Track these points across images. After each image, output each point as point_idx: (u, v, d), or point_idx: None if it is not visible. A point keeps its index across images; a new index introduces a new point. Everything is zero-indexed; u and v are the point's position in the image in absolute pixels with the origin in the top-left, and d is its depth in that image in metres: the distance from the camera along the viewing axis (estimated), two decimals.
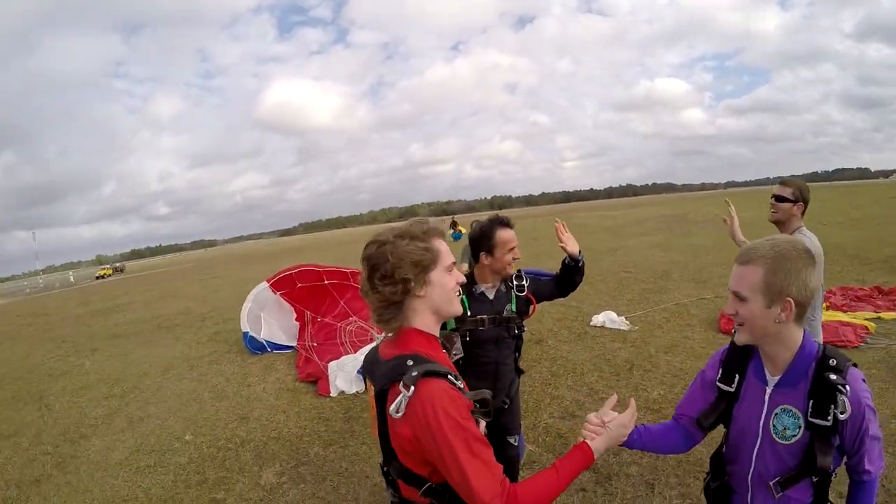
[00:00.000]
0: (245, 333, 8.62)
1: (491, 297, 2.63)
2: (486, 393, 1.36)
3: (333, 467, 4.41)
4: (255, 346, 8.53)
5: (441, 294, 1.41)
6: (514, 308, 2.66)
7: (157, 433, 5.70)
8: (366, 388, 5.13)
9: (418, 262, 1.35)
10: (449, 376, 1.30)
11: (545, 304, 8.02)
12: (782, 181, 3.18)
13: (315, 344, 8.11)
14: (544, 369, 6.16)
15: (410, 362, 1.31)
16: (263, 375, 7.34)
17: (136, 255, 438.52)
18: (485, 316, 2.56)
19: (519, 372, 2.85)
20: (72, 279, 73.20)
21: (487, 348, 2.59)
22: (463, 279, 1.51)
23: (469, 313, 2.53)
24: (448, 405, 1.25)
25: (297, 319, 9.00)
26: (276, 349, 8.48)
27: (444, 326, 2.37)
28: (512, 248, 2.58)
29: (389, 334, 1.48)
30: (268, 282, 9.08)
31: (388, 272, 1.34)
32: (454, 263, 1.45)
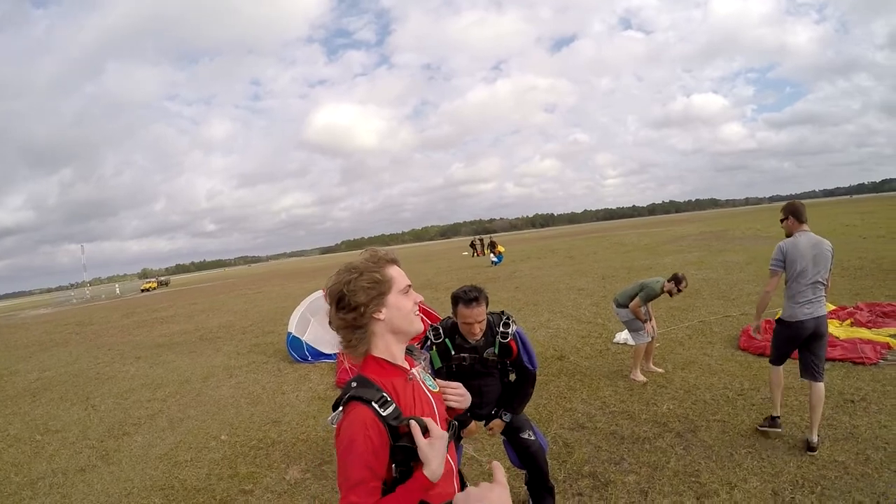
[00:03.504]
0: (289, 334, 9.31)
1: (472, 343, 3.35)
2: (427, 421, 1.45)
3: None
4: (297, 351, 9.20)
5: (399, 314, 1.58)
6: (496, 351, 3.40)
7: (195, 433, 6.34)
8: None
9: (372, 289, 1.54)
10: (374, 403, 1.42)
11: (572, 322, 8.44)
12: None
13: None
14: (562, 384, 6.52)
15: (354, 384, 1.50)
16: (297, 385, 7.96)
17: (181, 269, 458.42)
18: (466, 355, 3.35)
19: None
20: (117, 291, 77.32)
21: (470, 377, 3.31)
22: (420, 298, 1.68)
23: (454, 353, 3.35)
24: (355, 433, 1.38)
25: None
26: (316, 357, 9.12)
27: (431, 363, 3.28)
28: (470, 324, 3.25)
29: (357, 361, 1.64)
30: (324, 291, 9.67)
31: (347, 302, 1.54)
32: (409, 286, 1.63)
